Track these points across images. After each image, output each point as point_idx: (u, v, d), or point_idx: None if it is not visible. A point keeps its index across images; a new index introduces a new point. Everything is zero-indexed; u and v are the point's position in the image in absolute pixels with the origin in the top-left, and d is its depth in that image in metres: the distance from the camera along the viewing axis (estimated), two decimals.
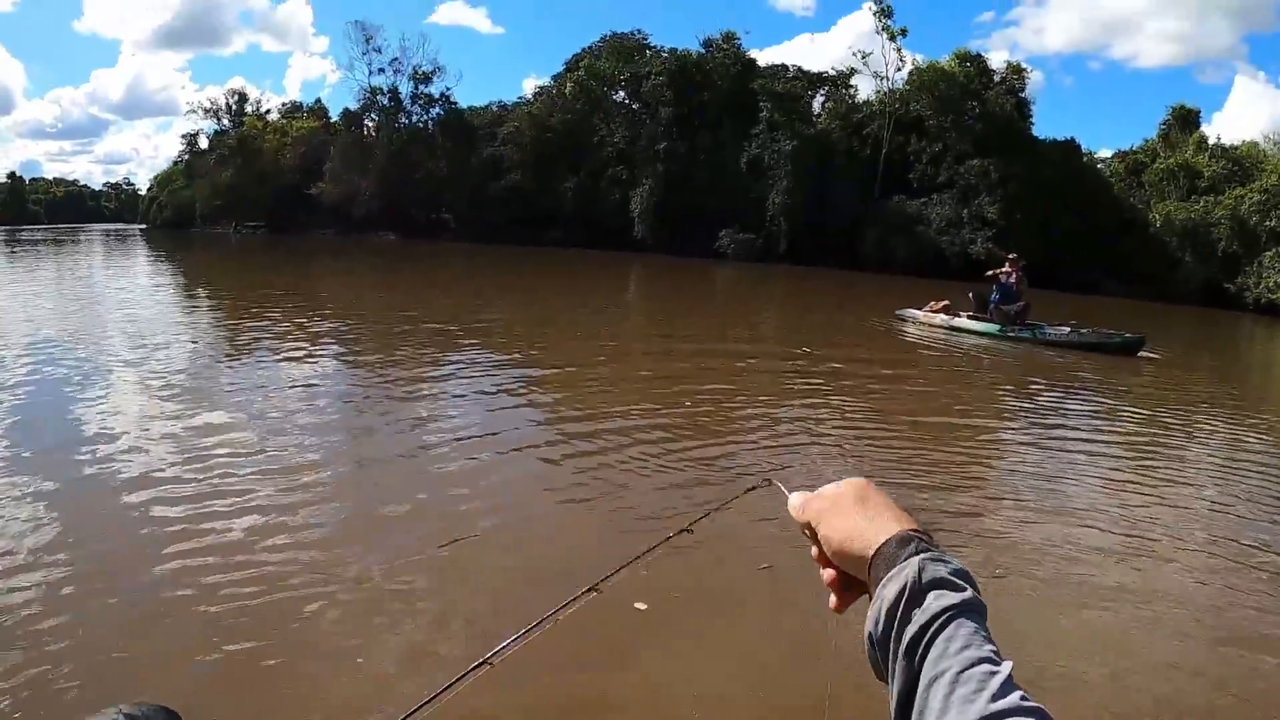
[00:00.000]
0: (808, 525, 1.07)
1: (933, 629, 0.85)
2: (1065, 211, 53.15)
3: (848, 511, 1.02)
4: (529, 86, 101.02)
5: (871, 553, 0.95)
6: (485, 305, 25.55)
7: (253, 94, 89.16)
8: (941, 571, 0.89)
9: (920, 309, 23.73)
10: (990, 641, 0.84)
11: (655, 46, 62.65)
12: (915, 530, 0.96)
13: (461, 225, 61.75)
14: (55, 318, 19.91)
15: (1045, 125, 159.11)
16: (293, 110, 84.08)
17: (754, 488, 1.87)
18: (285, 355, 14.78)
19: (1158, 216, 54.31)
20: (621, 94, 61.96)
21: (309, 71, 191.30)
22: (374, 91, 68.88)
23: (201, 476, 7.73)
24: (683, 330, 22.10)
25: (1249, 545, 7.49)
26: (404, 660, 4.92)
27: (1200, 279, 52.04)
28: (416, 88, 68.15)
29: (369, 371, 13.98)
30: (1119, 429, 12.54)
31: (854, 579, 1.02)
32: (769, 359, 16.84)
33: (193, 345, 15.98)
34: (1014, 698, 0.78)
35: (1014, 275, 21.68)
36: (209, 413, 10.21)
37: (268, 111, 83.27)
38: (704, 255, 52.99)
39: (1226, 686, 5.18)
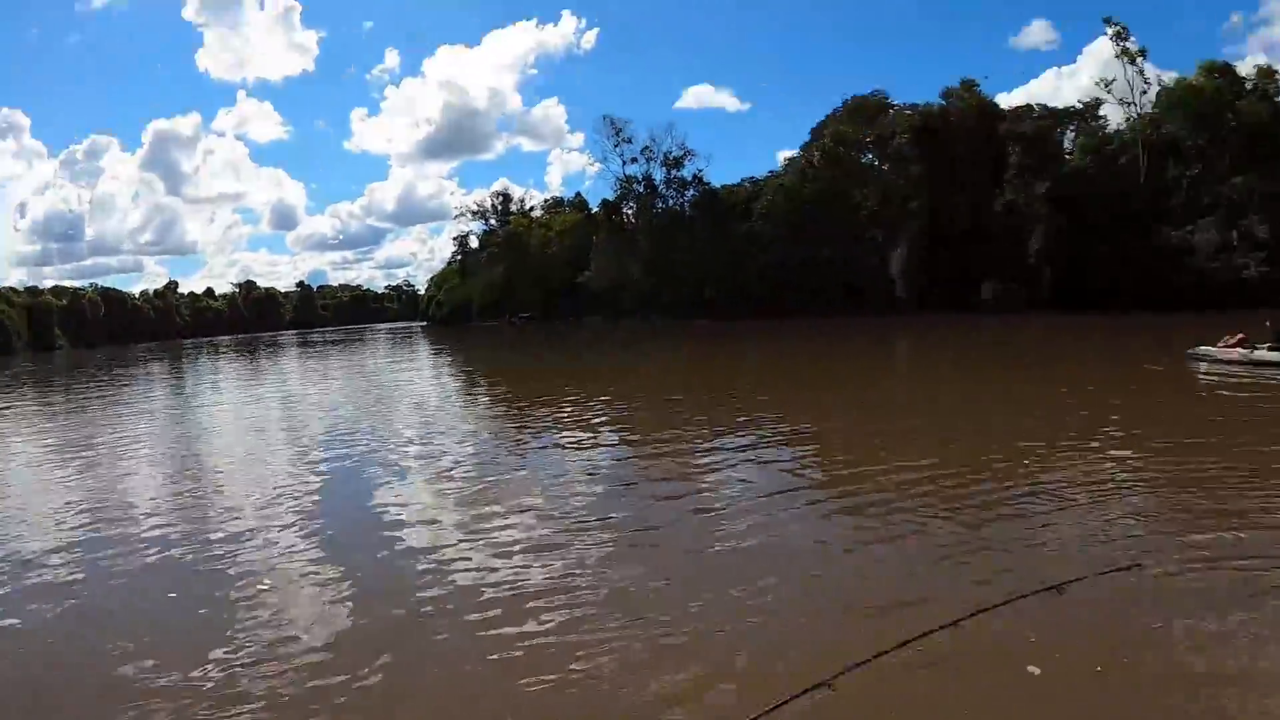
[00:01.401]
0: None
1: None
2: None
3: None
4: (783, 159, 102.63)
5: None
6: (755, 381, 26.17)
7: (516, 193, 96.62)
8: None
9: (1214, 345, 21.81)
10: None
11: (896, 105, 64.30)
12: None
13: (725, 302, 64.33)
14: (350, 408, 22.83)
15: None
16: (555, 205, 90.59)
17: (1123, 568, 2.10)
18: (563, 438, 15.74)
19: None
20: (869, 155, 63.77)
21: (568, 166, 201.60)
22: (629, 181, 73.81)
23: (484, 553, 8.80)
24: (968, 391, 21.65)
25: None
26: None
27: None
28: (669, 173, 72.58)
29: (644, 450, 14.36)
30: None
31: None
32: (1069, 420, 15.67)
33: (476, 431, 17.50)
34: None
35: None
36: (493, 494, 11.26)
37: (531, 208, 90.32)
38: (966, 310, 53.16)
39: None
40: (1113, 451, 12.59)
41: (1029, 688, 5.52)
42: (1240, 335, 21.43)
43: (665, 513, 10.09)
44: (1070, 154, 59.56)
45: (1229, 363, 20.87)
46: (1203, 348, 22.10)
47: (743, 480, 11.62)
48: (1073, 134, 60.81)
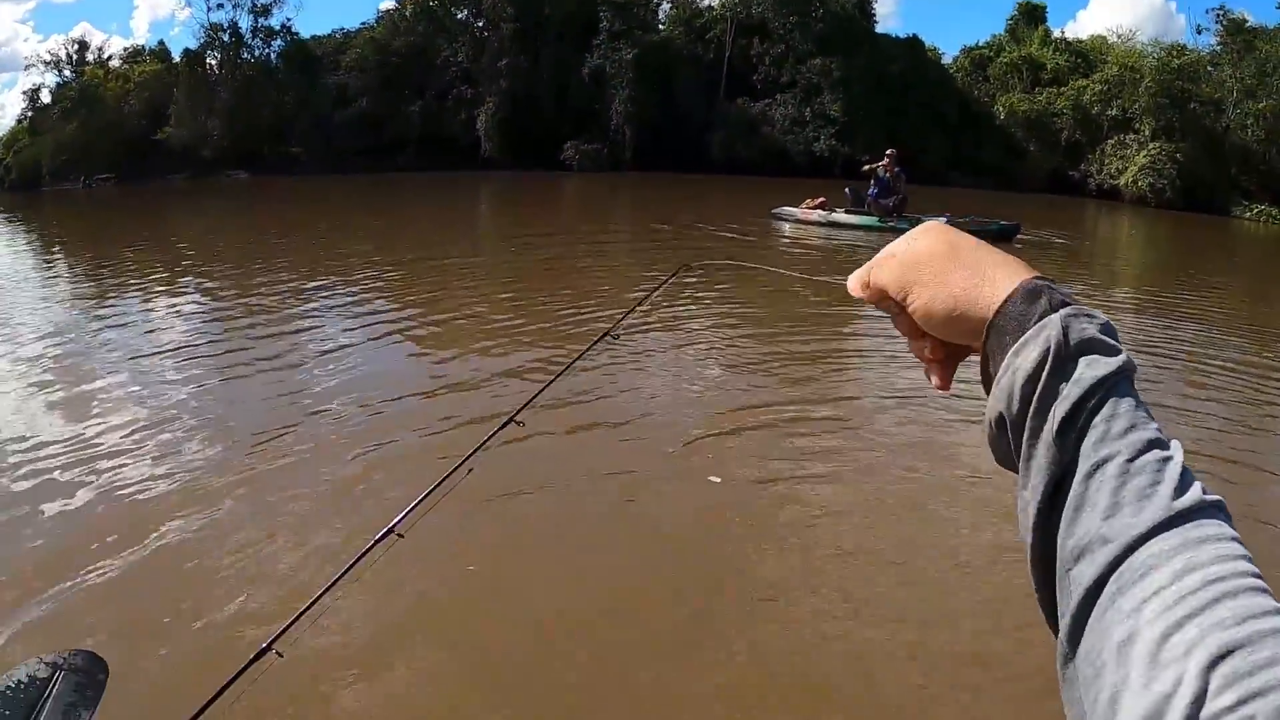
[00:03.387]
0: (886, 297, 0.89)
1: (1090, 405, 0.68)
2: (910, 107, 54.39)
3: (946, 272, 0.82)
4: (379, 10, 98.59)
5: (992, 314, 0.77)
6: (340, 234, 25.43)
7: (96, 39, 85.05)
8: (1090, 330, 0.71)
9: (797, 207, 23.70)
10: (1152, 417, 0.69)
11: None
12: (1040, 279, 0.77)
13: (312, 158, 60.49)
14: None
15: (911, 26, 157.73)
16: (135, 55, 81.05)
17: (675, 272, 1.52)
18: (152, 307, 14.66)
19: (1002, 109, 56.06)
20: (464, 12, 61.03)
21: (157, 11, 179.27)
22: (214, 29, 67.03)
23: (84, 434, 7.85)
24: (535, 241, 22.22)
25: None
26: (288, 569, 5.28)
27: (1046, 168, 53.88)
28: (256, 21, 66.29)
29: (235, 312, 13.83)
30: None
31: (957, 345, 0.85)
32: (642, 263, 17.20)
33: (58, 310, 15.50)
34: (1196, 490, 0.63)
35: (891, 170, 22.26)
36: (85, 373, 10.17)
37: (109, 58, 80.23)
38: (552, 168, 53.04)
39: None
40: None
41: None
42: (821, 199, 23.58)
43: (273, 347, 10.27)
44: (662, 25, 60.32)
45: (809, 223, 23.14)
46: (786, 209, 24.10)
47: (338, 323, 11.91)
48: (668, 6, 61.63)
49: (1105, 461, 0.66)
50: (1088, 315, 0.73)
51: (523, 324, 10.46)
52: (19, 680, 2.06)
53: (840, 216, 22.71)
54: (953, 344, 0.86)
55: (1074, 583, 0.65)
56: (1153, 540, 0.61)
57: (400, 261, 17.27)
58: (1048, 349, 0.70)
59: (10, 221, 44.72)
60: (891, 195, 22.11)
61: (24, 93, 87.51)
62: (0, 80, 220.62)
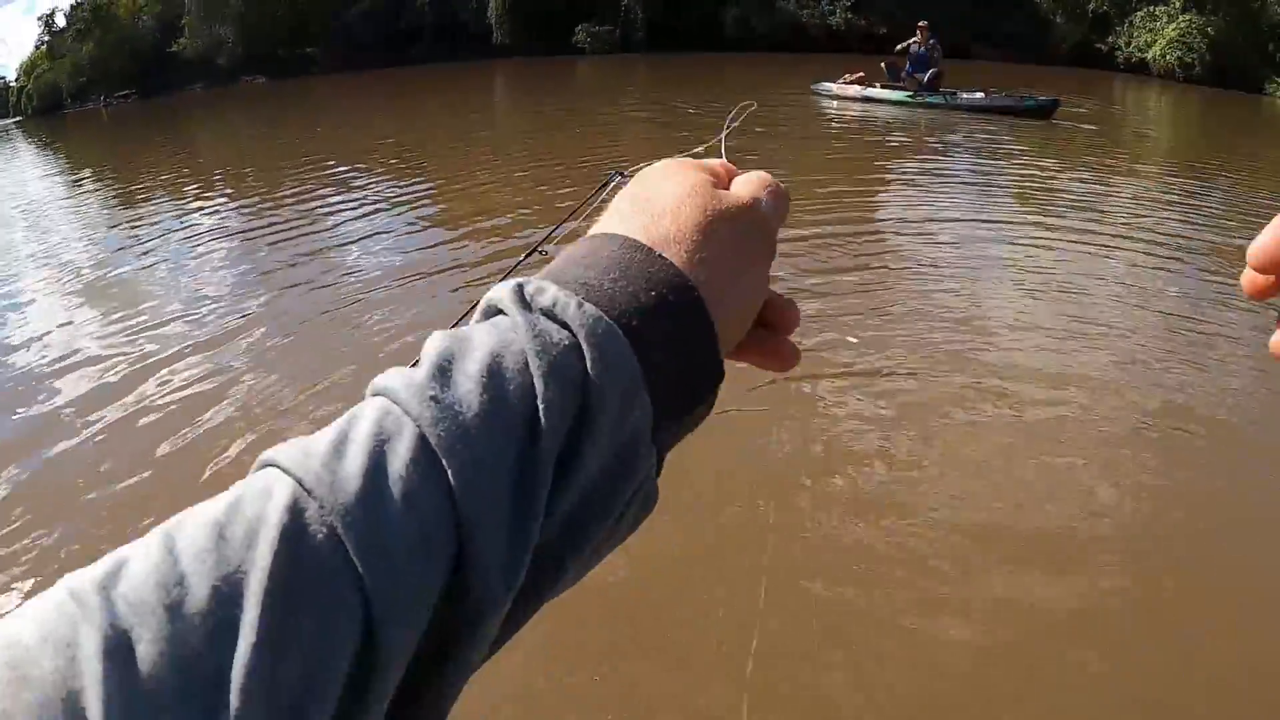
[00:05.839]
0: None
1: None
2: None
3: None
4: None
5: None
6: (358, 129, 25.65)
7: None
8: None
9: (834, 82, 23.70)
10: None
11: None
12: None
13: (327, 56, 60.78)
14: None
15: None
16: None
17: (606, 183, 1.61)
18: (184, 217, 14.81)
19: None
20: None
21: None
22: None
23: (131, 345, 8.10)
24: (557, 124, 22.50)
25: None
26: None
27: (1073, 40, 52.48)
28: None
29: (266, 216, 14.01)
30: (1042, 187, 13.00)
31: None
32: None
33: (92, 231, 15.72)
34: None
35: (925, 43, 21.99)
36: (122, 287, 10.41)
37: None
38: (565, 53, 52.68)
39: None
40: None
41: None
42: (860, 73, 23.41)
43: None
44: None
45: (846, 97, 23.30)
46: (824, 84, 24.02)
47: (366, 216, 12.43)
48: None
49: None
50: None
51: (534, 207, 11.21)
52: None
53: (875, 91, 22.61)
54: None
55: None
56: None
57: (417, 152, 17.97)
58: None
59: (39, 149, 45.16)
60: (927, 69, 21.79)
61: (39, 18, 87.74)
62: (20, 7, 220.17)
